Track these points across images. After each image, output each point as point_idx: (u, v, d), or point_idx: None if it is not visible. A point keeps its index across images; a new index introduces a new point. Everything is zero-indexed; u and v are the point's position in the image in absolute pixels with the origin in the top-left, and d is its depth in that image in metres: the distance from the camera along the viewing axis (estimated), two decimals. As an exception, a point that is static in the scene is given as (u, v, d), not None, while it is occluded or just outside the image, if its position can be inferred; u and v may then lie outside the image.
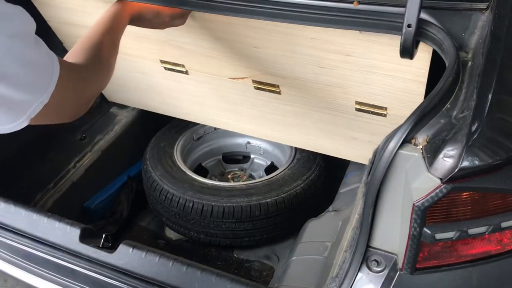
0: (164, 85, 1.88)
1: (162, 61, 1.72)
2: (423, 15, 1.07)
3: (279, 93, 1.62)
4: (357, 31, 1.19)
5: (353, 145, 1.76)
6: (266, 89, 1.62)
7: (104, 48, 1.09)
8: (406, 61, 1.11)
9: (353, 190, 1.82)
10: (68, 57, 1.04)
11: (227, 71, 1.61)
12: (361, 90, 1.43)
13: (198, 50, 1.56)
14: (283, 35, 1.34)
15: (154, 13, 1.29)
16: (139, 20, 1.27)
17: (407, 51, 1.06)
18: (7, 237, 1.43)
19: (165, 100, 1.98)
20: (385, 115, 1.48)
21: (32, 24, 0.85)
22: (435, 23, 1.08)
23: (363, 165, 1.82)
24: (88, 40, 1.09)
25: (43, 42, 0.87)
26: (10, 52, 0.78)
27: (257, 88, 1.64)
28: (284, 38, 1.35)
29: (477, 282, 1.04)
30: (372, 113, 1.49)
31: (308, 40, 1.31)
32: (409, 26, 1.03)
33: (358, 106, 1.51)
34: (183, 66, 1.70)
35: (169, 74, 1.76)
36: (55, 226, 1.38)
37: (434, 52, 1.11)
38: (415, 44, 1.06)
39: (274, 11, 1.20)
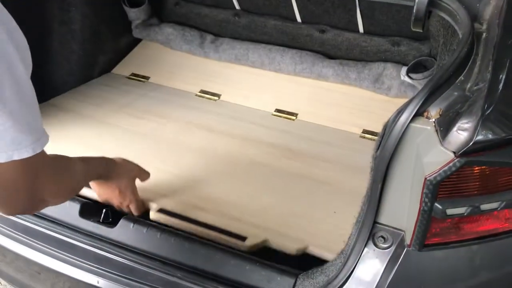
0: None
1: None
2: (437, -15, 1.04)
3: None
4: None
5: None
6: None
7: (77, 172, 1.08)
8: None
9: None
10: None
11: None
12: None
13: None
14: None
15: (118, 185, 1.28)
16: (105, 180, 1.26)
17: (419, 22, 1.03)
18: (6, 211, 1.40)
19: None
20: None
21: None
22: (449, -7, 1.05)
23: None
24: (65, 157, 1.06)
25: None
26: (20, 83, 0.78)
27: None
28: None
29: (483, 258, 1.03)
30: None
31: None
32: (422, -5, 1.00)
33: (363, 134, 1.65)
34: None
35: None
36: (54, 200, 1.36)
37: None
38: (427, 15, 1.03)
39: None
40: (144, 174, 1.37)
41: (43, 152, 0.87)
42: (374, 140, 1.82)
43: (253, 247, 1.26)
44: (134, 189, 1.32)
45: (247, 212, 1.40)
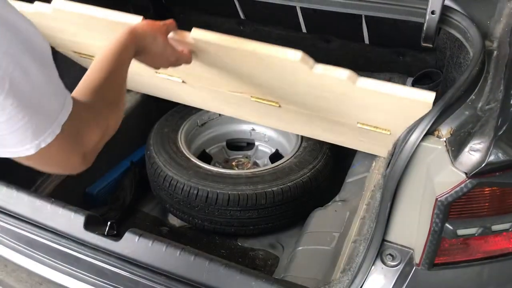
0: (162, 85, 1.83)
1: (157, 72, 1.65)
2: (447, 2, 1.04)
3: (279, 106, 1.59)
4: (351, 82, 1.14)
5: (360, 141, 1.72)
6: (265, 102, 1.59)
7: (112, 88, 1.00)
8: (404, 104, 1.08)
9: (360, 179, 1.78)
10: (75, 95, 0.93)
11: (224, 87, 1.58)
12: (362, 117, 1.39)
13: (194, 72, 1.51)
14: (281, 69, 1.29)
15: (157, 47, 1.21)
16: (140, 53, 1.18)
17: (429, 38, 1.03)
18: (9, 222, 1.39)
19: (167, 91, 1.94)
20: (389, 134, 1.44)
21: (48, 49, 0.80)
22: (460, 10, 1.04)
23: (370, 154, 1.79)
24: (93, 79, 0.98)
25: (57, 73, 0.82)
26: (28, 73, 0.73)
27: (256, 101, 1.60)
28: (282, 72, 1.30)
29: (491, 278, 1.02)
30: (375, 131, 1.45)
31: (304, 80, 1.27)
32: (432, 12, 0.99)
33: (360, 125, 1.47)
34: (178, 77, 1.66)
35: (166, 80, 1.71)
36: (58, 212, 1.35)
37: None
38: (437, 32, 1.02)
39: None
40: (169, 25, 1.25)
41: (75, 108, 0.82)
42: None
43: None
44: (170, 44, 1.24)
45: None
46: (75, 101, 0.84)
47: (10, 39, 0.71)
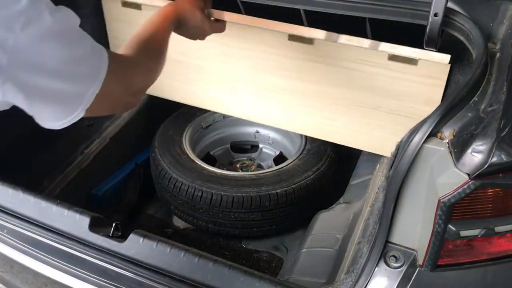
0: (188, 54, 1.85)
1: None
2: (450, 4, 1.04)
3: (311, 43, 1.63)
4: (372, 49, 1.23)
5: (372, 124, 1.70)
6: (300, 37, 1.64)
7: (154, 43, 1.13)
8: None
9: (364, 182, 1.79)
10: (124, 48, 1.06)
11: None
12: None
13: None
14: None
15: (196, 22, 1.33)
16: (181, 27, 1.30)
17: (432, 41, 1.03)
18: (15, 223, 1.40)
19: (182, 78, 1.92)
20: (416, 63, 1.42)
21: (74, 19, 0.85)
22: (462, 12, 1.05)
23: (374, 156, 1.79)
24: (138, 36, 1.11)
25: (87, 35, 0.87)
26: (56, 48, 0.79)
27: (291, 38, 1.65)
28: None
29: (496, 280, 1.02)
30: (404, 61, 1.44)
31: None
32: (435, 15, 1.00)
33: (391, 56, 1.47)
34: None
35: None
36: (64, 214, 1.36)
37: None
38: (440, 34, 1.03)
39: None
40: (206, 1, 1.39)
41: (113, 62, 0.88)
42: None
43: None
44: (206, 18, 1.37)
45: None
46: (117, 54, 0.97)
47: (43, 36, 0.77)
